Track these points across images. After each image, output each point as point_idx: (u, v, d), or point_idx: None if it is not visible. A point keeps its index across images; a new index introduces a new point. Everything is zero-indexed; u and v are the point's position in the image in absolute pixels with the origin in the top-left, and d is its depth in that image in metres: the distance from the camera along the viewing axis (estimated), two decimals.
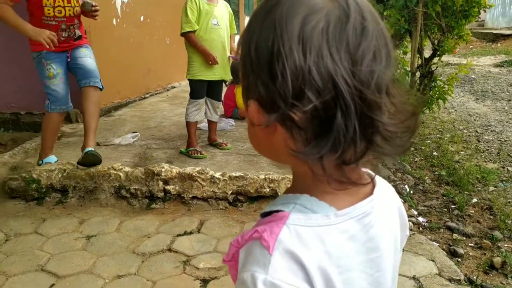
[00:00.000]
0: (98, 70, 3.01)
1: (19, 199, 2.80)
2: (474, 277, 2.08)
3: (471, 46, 11.90)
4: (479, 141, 4.41)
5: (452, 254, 2.31)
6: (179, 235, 2.40)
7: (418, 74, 3.70)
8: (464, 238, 2.49)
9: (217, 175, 2.74)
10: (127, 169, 2.86)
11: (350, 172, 0.48)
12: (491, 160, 3.86)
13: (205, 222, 2.55)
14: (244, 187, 2.70)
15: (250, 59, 0.47)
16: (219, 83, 3.43)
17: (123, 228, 2.49)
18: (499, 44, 11.85)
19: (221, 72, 3.31)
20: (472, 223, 2.69)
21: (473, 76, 7.93)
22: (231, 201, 2.74)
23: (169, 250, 2.27)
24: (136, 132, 3.88)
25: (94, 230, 2.45)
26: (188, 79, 3.35)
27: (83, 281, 2.00)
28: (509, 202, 2.97)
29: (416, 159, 3.82)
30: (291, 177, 0.55)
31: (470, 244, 2.44)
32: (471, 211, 2.85)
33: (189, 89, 3.39)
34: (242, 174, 2.75)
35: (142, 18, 5.65)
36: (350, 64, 0.43)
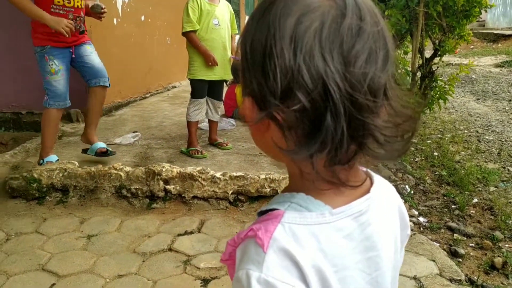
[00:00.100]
0: (104, 67, 3.06)
1: (20, 199, 2.80)
2: (475, 277, 2.08)
3: (471, 46, 11.89)
4: (479, 141, 4.40)
5: (453, 254, 2.31)
6: (179, 235, 2.40)
7: (419, 74, 3.69)
8: (465, 238, 2.49)
9: (218, 175, 2.74)
10: (127, 168, 2.86)
11: (343, 173, 0.48)
12: (492, 160, 3.86)
13: (205, 222, 2.55)
14: (245, 187, 2.70)
15: (246, 58, 0.48)
16: (220, 82, 3.43)
17: (124, 228, 2.49)
18: (499, 44, 11.84)
19: (222, 72, 3.31)
20: (473, 223, 2.69)
21: (473, 76, 7.93)
22: (231, 201, 2.73)
23: (170, 249, 2.27)
24: (136, 131, 3.88)
25: (94, 230, 2.46)
26: (189, 79, 3.35)
27: (83, 281, 2.00)
28: (510, 202, 2.97)
29: (417, 159, 3.82)
30: (288, 178, 0.55)
31: (471, 244, 2.44)
32: (471, 211, 2.85)
33: (189, 89, 3.39)
34: (243, 174, 2.75)
35: (142, 18, 5.65)
36: (342, 65, 0.43)
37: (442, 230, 2.58)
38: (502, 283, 2.09)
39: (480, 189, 3.20)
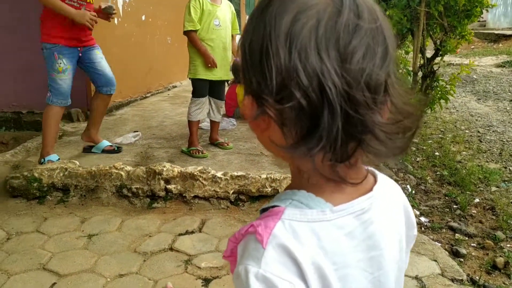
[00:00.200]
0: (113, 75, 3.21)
1: (21, 198, 2.79)
2: (477, 277, 2.08)
3: (472, 47, 11.88)
4: (481, 141, 4.40)
5: (455, 254, 2.30)
6: (180, 235, 2.40)
7: (420, 74, 3.69)
8: (467, 238, 2.49)
9: (219, 174, 2.74)
10: (128, 168, 2.86)
11: (344, 170, 0.48)
12: (493, 160, 3.85)
13: (206, 222, 2.54)
14: (246, 187, 2.70)
15: (245, 58, 0.48)
16: (221, 82, 3.43)
17: (125, 227, 2.49)
18: (500, 45, 11.82)
19: (222, 72, 3.31)
20: (475, 223, 2.69)
21: (474, 77, 7.92)
22: (232, 200, 2.73)
23: (171, 249, 2.26)
24: (137, 131, 3.88)
25: (95, 229, 2.45)
26: (190, 78, 3.35)
27: (84, 280, 2.00)
28: None
29: (418, 159, 3.82)
30: (291, 176, 0.55)
31: (472, 244, 2.43)
32: (473, 211, 2.84)
33: (190, 89, 3.39)
34: (244, 174, 2.74)
35: (143, 18, 5.65)
36: (338, 62, 0.43)
37: (444, 230, 2.58)
38: (504, 283, 2.09)
39: (482, 189, 3.19)
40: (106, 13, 3.07)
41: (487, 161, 3.82)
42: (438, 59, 3.66)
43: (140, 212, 2.69)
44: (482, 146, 4.24)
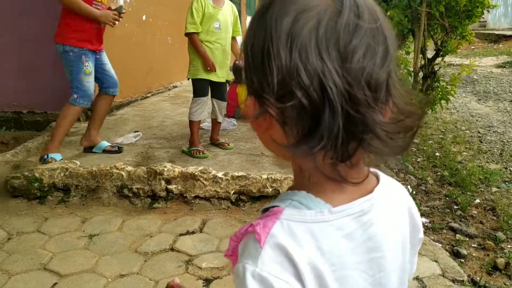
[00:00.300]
0: None
1: (21, 198, 2.79)
2: (478, 278, 2.08)
3: (472, 47, 11.87)
4: (481, 142, 4.40)
5: (455, 255, 2.30)
6: (181, 235, 2.40)
7: (421, 74, 3.69)
8: (467, 239, 2.49)
9: (220, 174, 2.74)
10: (129, 168, 2.86)
11: (344, 170, 0.48)
12: (494, 161, 3.85)
13: (207, 222, 2.54)
14: (247, 187, 2.70)
15: (248, 60, 0.49)
16: (222, 83, 3.44)
17: (126, 228, 2.49)
18: (501, 45, 11.81)
19: (221, 73, 3.32)
20: (475, 224, 2.69)
21: (475, 77, 7.92)
22: (233, 200, 2.73)
23: (172, 249, 2.27)
24: (138, 131, 3.88)
25: (96, 229, 2.45)
26: (189, 79, 3.36)
27: (85, 280, 2.00)
28: None
29: (419, 159, 3.82)
30: (293, 176, 0.55)
31: (473, 245, 2.43)
32: (474, 211, 2.84)
33: (191, 89, 3.40)
34: (245, 174, 2.74)
35: (144, 18, 5.64)
36: (339, 61, 0.43)
37: (444, 231, 2.58)
38: (505, 284, 2.09)
39: (482, 189, 3.19)
40: (117, 13, 3.16)
41: (487, 162, 3.83)
42: (439, 59, 3.66)
43: (141, 212, 2.69)
44: (483, 147, 4.24)
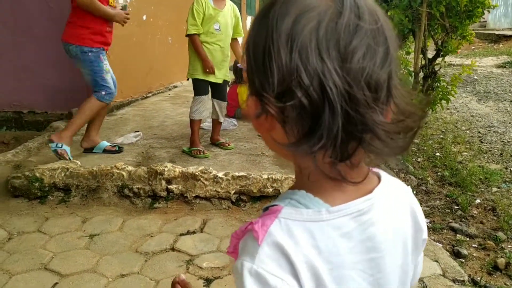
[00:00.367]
0: None
1: (22, 198, 2.79)
2: (478, 278, 2.08)
3: (473, 47, 11.87)
4: (481, 142, 4.40)
5: (456, 255, 2.30)
6: (182, 235, 2.40)
7: (421, 74, 3.69)
8: (468, 239, 2.49)
9: (220, 174, 2.74)
10: (130, 168, 2.86)
11: (344, 169, 0.48)
12: (494, 161, 3.85)
13: (208, 222, 2.55)
14: (247, 187, 2.70)
15: (249, 60, 0.50)
16: (222, 84, 3.45)
17: (126, 227, 2.49)
18: (501, 45, 11.81)
19: (220, 74, 3.33)
20: (476, 224, 2.69)
21: (475, 77, 7.92)
22: (234, 200, 2.73)
23: (172, 249, 2.27)
24: (138, 131, 3.88)
25: (97, 229, 2.45)
26: (189, 78, 3.37)
27: (86, 280, 2.00)
28: None
29: (419, 159, 3.82)
30: (293, 176, 0.56)
31: (473, 245, 2.43)
32: (474, 212, 2.85)
33: (191, 89, 3.41)
34: (245, 174, 2.74)
35: (144, 17, 5.64)
36: (339, 61, 0.44)
37: (445, 231, 2.58)
38: (506, 284, 2.09)
39: (483, 189, 3.20)
40: (128, 12, 3.26)
41: (488, 162, 3.83)
42: (439, 59, 3.66)
43: (141, 212, 2.69)
44: (483, 147, 4.24)
